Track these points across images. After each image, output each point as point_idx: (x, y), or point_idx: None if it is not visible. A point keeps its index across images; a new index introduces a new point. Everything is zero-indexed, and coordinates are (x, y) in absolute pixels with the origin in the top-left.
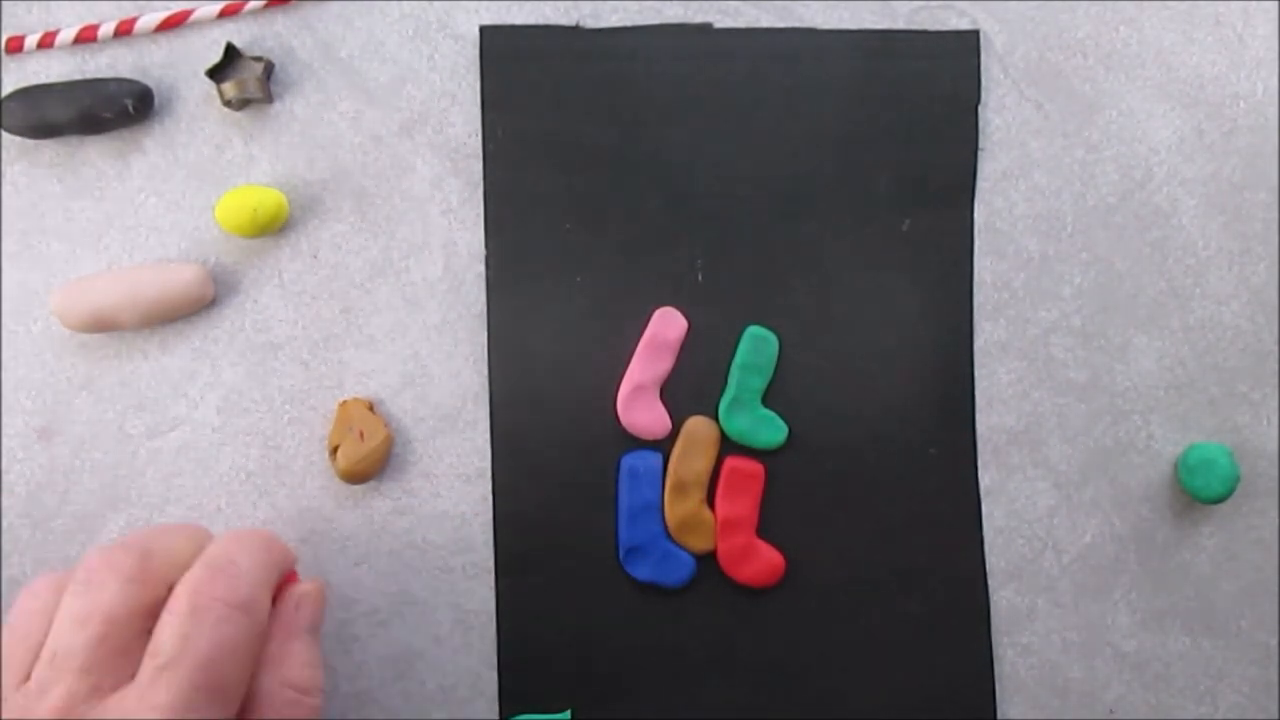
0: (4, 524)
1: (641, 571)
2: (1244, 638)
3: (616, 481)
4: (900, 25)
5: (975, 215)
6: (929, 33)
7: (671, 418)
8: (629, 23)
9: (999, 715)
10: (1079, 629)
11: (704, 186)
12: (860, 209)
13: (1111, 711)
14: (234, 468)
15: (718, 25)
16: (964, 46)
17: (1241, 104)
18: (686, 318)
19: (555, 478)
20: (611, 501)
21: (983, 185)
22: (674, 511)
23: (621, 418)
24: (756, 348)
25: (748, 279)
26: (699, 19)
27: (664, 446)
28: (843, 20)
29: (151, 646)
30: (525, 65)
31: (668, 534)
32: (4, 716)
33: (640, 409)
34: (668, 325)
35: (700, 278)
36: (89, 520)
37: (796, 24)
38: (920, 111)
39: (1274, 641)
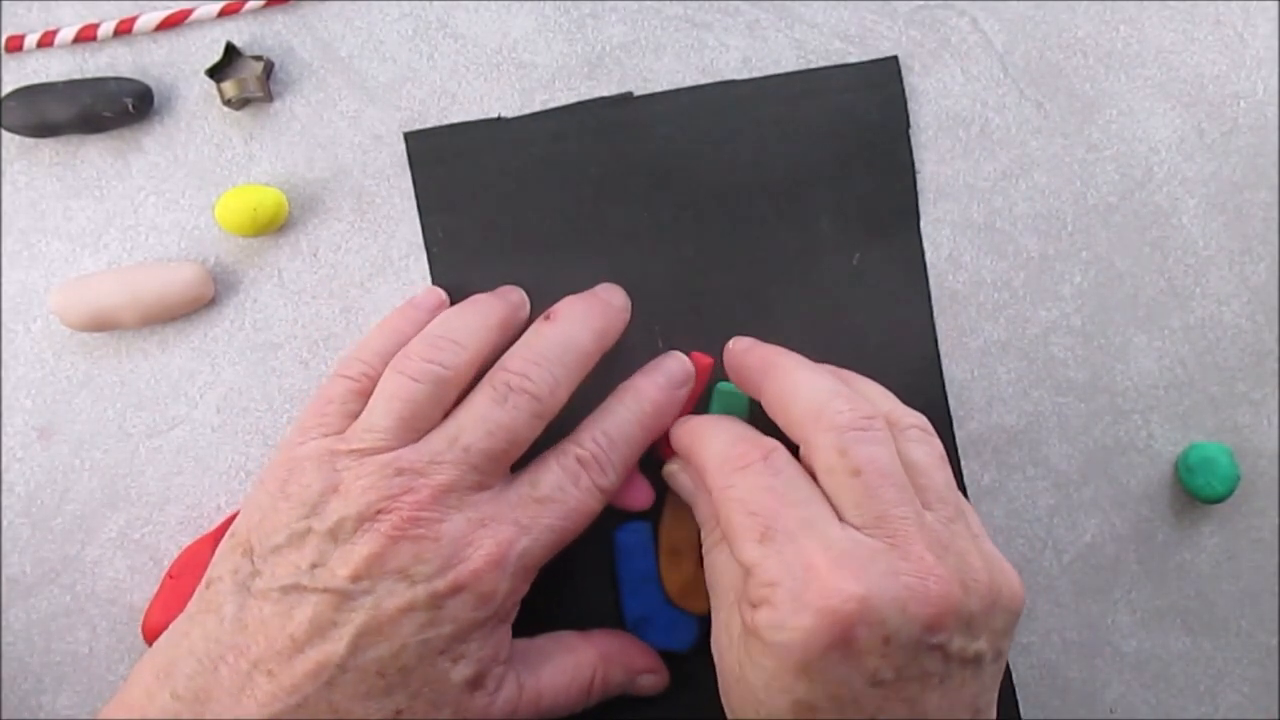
0: (4, 523)
1: (652, 639)
2: (1244, 638)
3: (613, 555)
4: (899, 25)
5: (970, 216)
6: (849, 66)
7: (654, 485)
8: (627, 22)
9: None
10: (1079, 629)
11: (650, 254)
12: (809, 250)
13: (1112, 711)
14: (234, 467)
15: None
16: (885, 73)
17: (1241, 104)
18: None
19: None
20: (610, 574)
21: (983, 185)
22: (671, 579)
23: None
24: (727, 404)
25: (708, 337)
26: (699, 18)
27: (652, 515)
28: (842, 20)
29: (532, 476)
30: (454, 165)
31: (669, 600)
32: (396, 462)
33: (623, 483)
34: None
35: (661, 344)
36: (89, 520)
37: (791, 26)
38: (852, 145)
39: (1274, 641)
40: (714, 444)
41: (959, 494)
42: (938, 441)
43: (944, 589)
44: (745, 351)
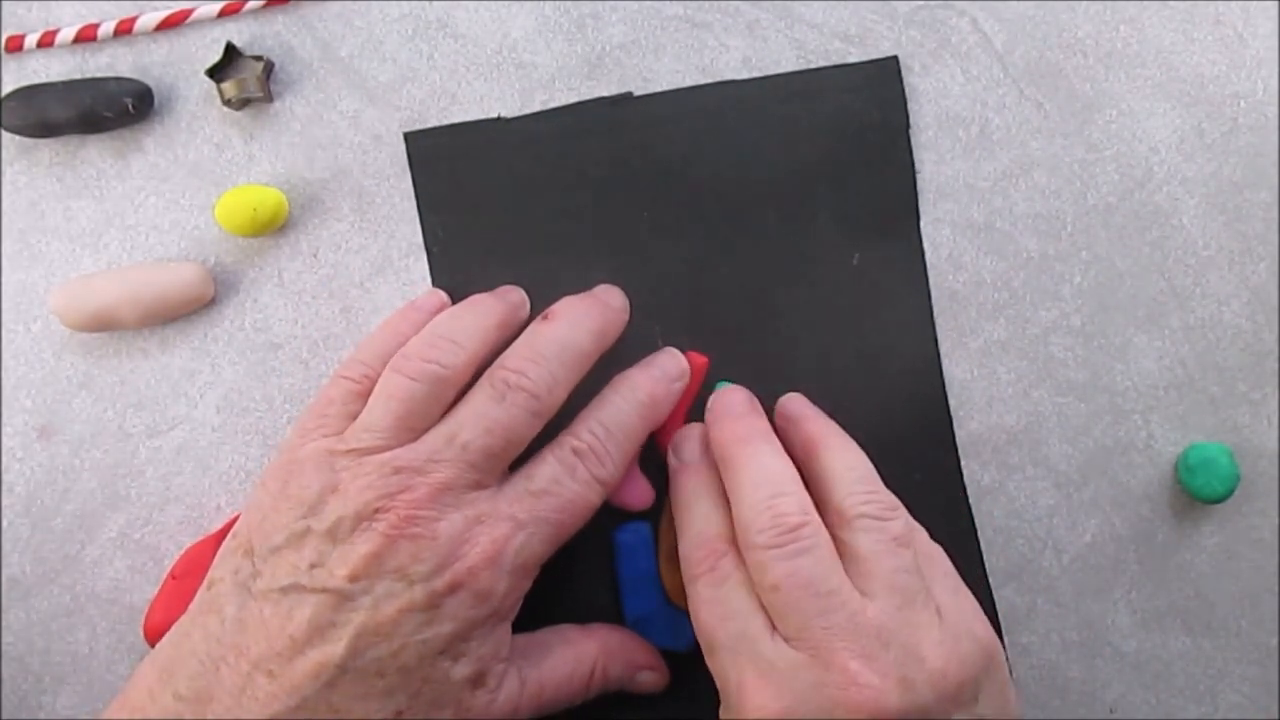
0: (4, 523)
1: (652, 639)
2: (1244, 638)
3: (613, 555)
4: (899, 25)
5: (969, 218)
6: (849, 65)
7: (654, 485)
8: (627, 22)
9: None
10: (1079, 629)
11: (650, 253)
12: (808, 250)
13: (1112, 711)
14: (234, 467)
15: (703, 21)
16: (885, 73)
17: (1241, 104)
18: None
19: (552, 556)
20: (610, 574)
21: (983, 185)
22: (670, 579)
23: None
24: None
25: (708, 337)
26: (699, 18)
27: (652, 515)
28: (842, 20)
29: (528, 471)
30: (454, 165)
31: (669, 600)
32: (394, 461)
33: (623, 482)
34: None
35: (661, 344)
36: (88, 519)
37: (791, 26)
38: (852, 144)
39: (1274, 641)
40: (683, 542)
41: (917, 570)
42: (895, 523)
43: (867, 697)
44: (715, 422)
